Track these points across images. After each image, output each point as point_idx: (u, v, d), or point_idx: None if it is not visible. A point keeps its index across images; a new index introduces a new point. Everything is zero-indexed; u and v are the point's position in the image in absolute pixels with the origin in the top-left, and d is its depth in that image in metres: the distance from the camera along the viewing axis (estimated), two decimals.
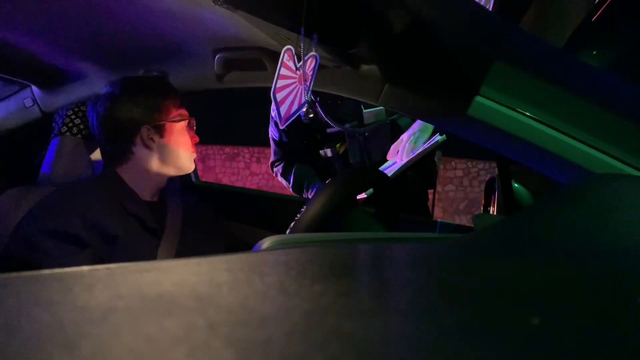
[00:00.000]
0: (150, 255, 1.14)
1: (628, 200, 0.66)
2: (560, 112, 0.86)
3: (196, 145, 1.26)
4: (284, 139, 1.85)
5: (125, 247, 1.09)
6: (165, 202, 1.25)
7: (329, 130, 1.76)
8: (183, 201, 1.30)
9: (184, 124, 1.21)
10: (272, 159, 1.94)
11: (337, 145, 1.77)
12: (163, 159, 1.19)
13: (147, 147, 1.17)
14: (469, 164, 7.98)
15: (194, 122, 1.25)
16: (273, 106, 1.85)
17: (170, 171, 1.22)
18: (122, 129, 1.18)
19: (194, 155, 1.25)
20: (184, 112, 1.23)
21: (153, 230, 1.17)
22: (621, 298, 0.38)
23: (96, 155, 1.35)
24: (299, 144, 1.85)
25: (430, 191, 2.00)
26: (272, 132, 1.89)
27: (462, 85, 0.93)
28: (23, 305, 0.27)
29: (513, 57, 0.88)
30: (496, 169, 1.42)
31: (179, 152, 1.20)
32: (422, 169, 1.85)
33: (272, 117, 1.86)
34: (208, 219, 1.37)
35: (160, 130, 1.18)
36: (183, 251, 1.19)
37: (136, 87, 1.21)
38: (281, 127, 0.97)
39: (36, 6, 1.00)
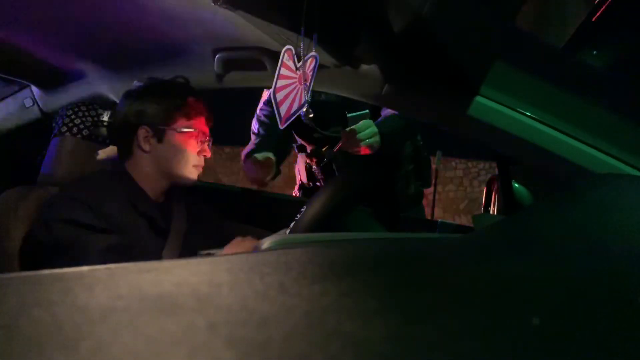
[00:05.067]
0: (156, 256, 1.14)
1: (628, 200, 0.66)
2: (560, 112, 0.86)
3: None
4: (262, 132, 1.83)
5: (134, 245, 1.09)
6: (170, 203, 1.25)
7: (315, 135, 1.75)
8: (186, 202, 1.30)
9: (191, 135, 1.18)
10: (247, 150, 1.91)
11: (323, 149, 1.75)
12: (158, 165, 1.18)
13: (142, 148, 1.17)
14: (469, 164, 7.96)
15: (207, 138, 1.22)
16: (262, 104, 1.85)
17: (166, 178, 1.20)
18: (125, 124, 1.18)
19: (197, 170, 1.21)
20: (198, 124, 1.19)
21: (161, 231, 1.17)
22: (621, 298, 0.38)
23: (101, 155, 1.35)
24: (284, 142, 1.85)
25: (427, 191, 1.98)
26: (254, 127, 1.88)
27: (462, 85, 0.93)
28: (23, 305, 0.27)
29: (513, 57, 0.88)
30: (496, 169, 1.42)
31: (175, 162, 1.17)
32: (415, 165, 1.83)
33: (257, 114, 1.86)
34: (210, 220, 1.37)
35: (159, 135, 1.16)
36: (186, 253, 1.19)
37: (151, 88, 1.20)
38: (281, 128, 0.97)
39: (36, 6, 1.00)
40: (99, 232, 1.05)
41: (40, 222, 1.09)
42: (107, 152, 1.35)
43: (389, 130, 1.59)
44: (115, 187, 1.14)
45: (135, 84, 1.22)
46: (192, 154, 1.18)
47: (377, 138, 1.54)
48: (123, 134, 1.20)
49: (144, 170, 1.18)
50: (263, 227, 1.50)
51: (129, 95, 1.20)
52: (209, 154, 1.22)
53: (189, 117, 1.18)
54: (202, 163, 1.22)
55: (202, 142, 1.20)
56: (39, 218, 1.11)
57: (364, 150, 1.54)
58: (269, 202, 1.66)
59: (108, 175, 1.20)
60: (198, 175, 1.23)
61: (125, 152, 1.20)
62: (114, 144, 1.28)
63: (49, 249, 1.04)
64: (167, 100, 1.18)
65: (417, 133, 1.78)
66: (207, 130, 1.22)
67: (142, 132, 1.16)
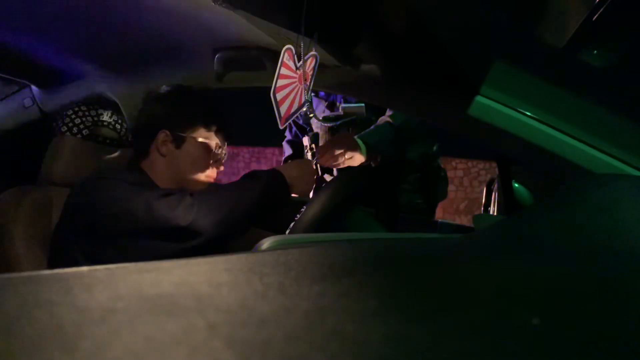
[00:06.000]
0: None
1: (628, 200, 0.66)
2: (560, 112, 0.86)
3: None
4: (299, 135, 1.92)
5: None
6: None
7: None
8: None
9: (208, 147, 1.18)
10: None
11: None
12: (171, 169, 1.18)
13: (160, 152, 1.17)
14: (469, 164, 7.97)
15: (223, 151, 1.21)
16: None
17: (176, 183, 1.19)
18: (147, 125, 1.20)
19: (208, 180, 1.20)
20: (217, 137, 1.19)
21: None
22: (621, 298, 0.38)
23: (95, 156, 1.35)
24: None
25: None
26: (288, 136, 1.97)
27: (462, 85, 0.93)
28: (23, 305, 0.27)
29: (513, 57, 0.88)
30: (496, 169, 1.42)
31: (188, 170, 1.17)
32: (422, 175, 1.77)
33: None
34: None
35: (177, 141, 1.17)
36: None
37: (177, 94, 1.21)
38: (281, 127, 0.97)
39: (36, 6, 1.00)
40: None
41: (81, 207, 1.07)
42: (114, 157, 1.36)
43: (374, 141, 1.55)
44: (136, 179, 1.14)
45: (164, 88, 1.23)
46: (206, 165, 1.19)
47: (357, 149, 1.51)
48: (143, 135, 1.21)
49: (158, 172, 1.19)
50: (263, 227, 1.50)
51: (155, 97, 1.21)
52: (222, 167, 1.22)
53: (209, 128, 1.19)
54: (214, 175, 1.21)
55: (218, 155, 1.20)
56: (75, 204, 1.08)
57: (345, 164, 1.51)
58: None
59: (126, 170, 1.21)
60: (209, 185, 1.21)
61: (142, 152, 1.21)
62: (134, 144, 1.28)
63: (104, 227, 1.03)
64: (191, 109, 1.18)
65: (410, 142, 1.71)
66: (225, 143, 1.22)
67: (161, 135, 1.17)
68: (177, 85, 1.24)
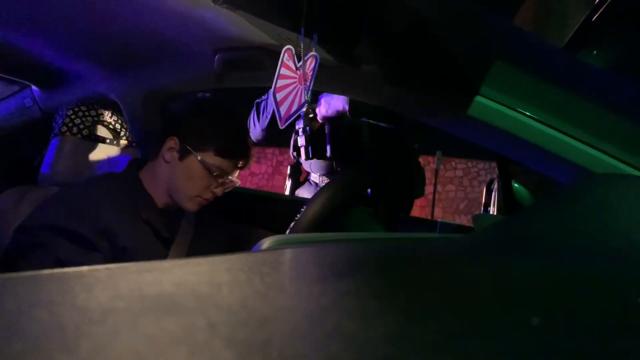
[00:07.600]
0: None
1: (628, 200, 0.66)
2: (560, 112, 0.86)
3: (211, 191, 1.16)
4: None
5: (133, 257, 1.06)
6: (180, 209, 1.21)
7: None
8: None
9: (207, 171, 1.13)
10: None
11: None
12: (170, 180, 1.15)
13: (164, 157, 1.15)
14: (469, 164, 7.97)
15: (226, 179, 1.17)
16: (270, 101, 1.83)
17: (168, 194, 1.16)
18: (164, 126, 1.20)
19: (200, 200, 1.16)
20: (224, 164, 1.14)
21: (164, 240, 1.15)
22: (621, 298, 0.38)
23: (95, 156, 1.35)
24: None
25: (427, 191, 1.92)
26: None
27: (462, 85, 0.92)
28: (23, 305, 0.27)
29: (513, 57, 0.88)
30: (496, 169, 1.42)
31: (180, 186, 1.14)
32: (401, 170, 1.75)
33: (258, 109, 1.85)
34: (218, 225, 1.35)
35: (182, 153, 1.13)
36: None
37: (204, 107, 1.19)
38: (281, 128, 0.97)
39: (36, 6, 1.00)
40: (84, 247, 1.01)
41: (25, 224, 1.04)
42: (106, 150, 1.36)
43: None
44: (121, 193, 1.12)
45: (201, 95, 1.22)
46: (201, 187, 1.14)
47: None
48: (158, 135, 1.19)
49: (156, 177, 1.17)
50: (263, 227, 1.50)
51: (186, 102, 1.20)
52: (220, 194, 1.18)
53: (219, 153, 1.14)
54: (208, 197, 1.17)
55: (219, 181, 1.16)
56: (28, 218, 1.06)
57: None
58: (269, 202, 1.66)
59: (116, 181, 1.17)
60: (201, 206, 1.18)
61: (153, 153, 1.19)
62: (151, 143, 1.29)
63: (27, 251, 1.00)
64: (209, 130, 1.15)
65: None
66: (232, 172, 1.17)
67: (170, 142, 1.15)
68: (211, 98, 1.22)
